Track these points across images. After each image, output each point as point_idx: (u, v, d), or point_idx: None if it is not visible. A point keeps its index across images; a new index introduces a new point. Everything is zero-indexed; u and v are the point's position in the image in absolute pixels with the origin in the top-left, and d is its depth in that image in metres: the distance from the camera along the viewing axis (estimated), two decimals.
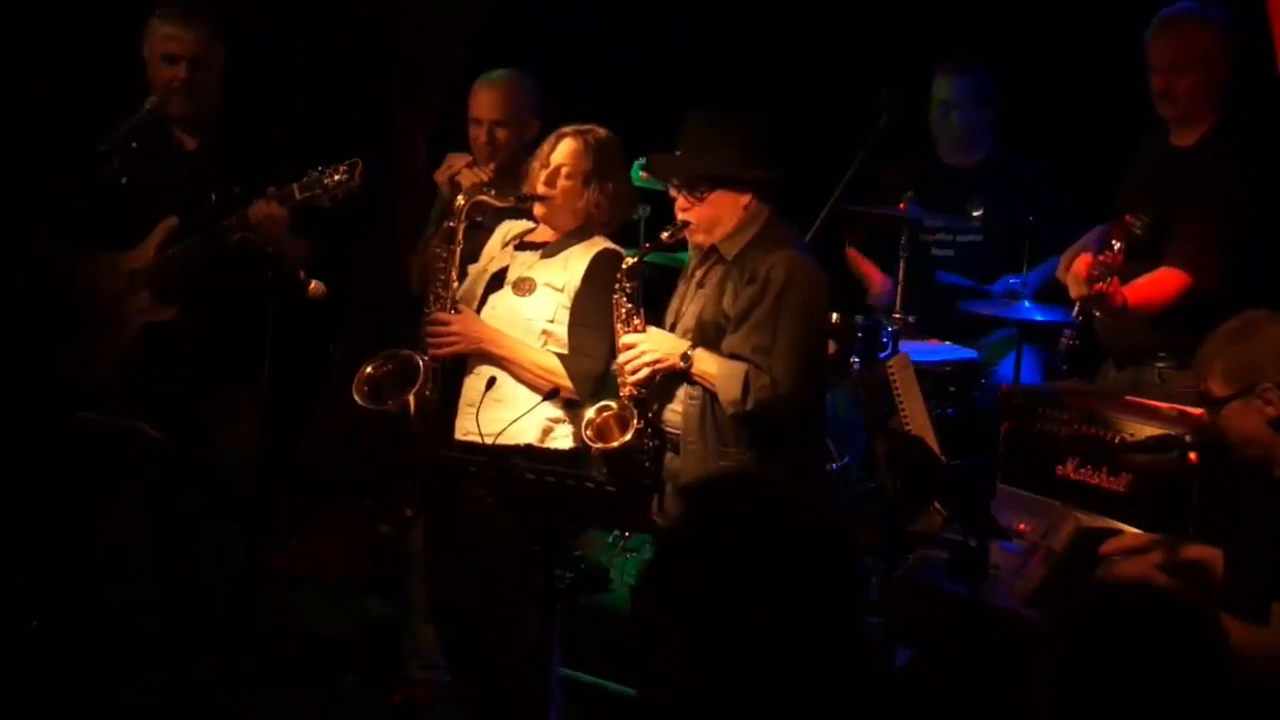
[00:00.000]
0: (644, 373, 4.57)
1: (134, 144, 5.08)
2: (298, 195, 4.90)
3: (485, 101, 5.47)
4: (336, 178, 4.87)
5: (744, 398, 4.44)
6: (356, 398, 4.80)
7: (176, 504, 5.19)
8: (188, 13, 5.15)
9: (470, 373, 4.84)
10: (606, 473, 4.54)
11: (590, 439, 4.58)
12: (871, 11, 6.64)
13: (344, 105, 6.63)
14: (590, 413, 4.63)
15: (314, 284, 4.81)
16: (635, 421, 4.55)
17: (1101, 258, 4.72)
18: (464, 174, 5.30)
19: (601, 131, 4.84)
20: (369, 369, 4.84)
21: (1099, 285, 4.68)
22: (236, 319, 5.11)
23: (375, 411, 4.79)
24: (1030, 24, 6.37)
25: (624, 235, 5.25)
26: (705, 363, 4.53)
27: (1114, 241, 4.77)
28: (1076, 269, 4.81)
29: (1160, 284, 4.89)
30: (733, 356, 4.50)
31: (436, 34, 6.44)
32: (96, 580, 5.49)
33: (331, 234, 5.24)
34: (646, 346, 4.58)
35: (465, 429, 4.80)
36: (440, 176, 5.40)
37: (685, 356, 4.53)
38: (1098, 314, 4.92)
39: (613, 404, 4.60)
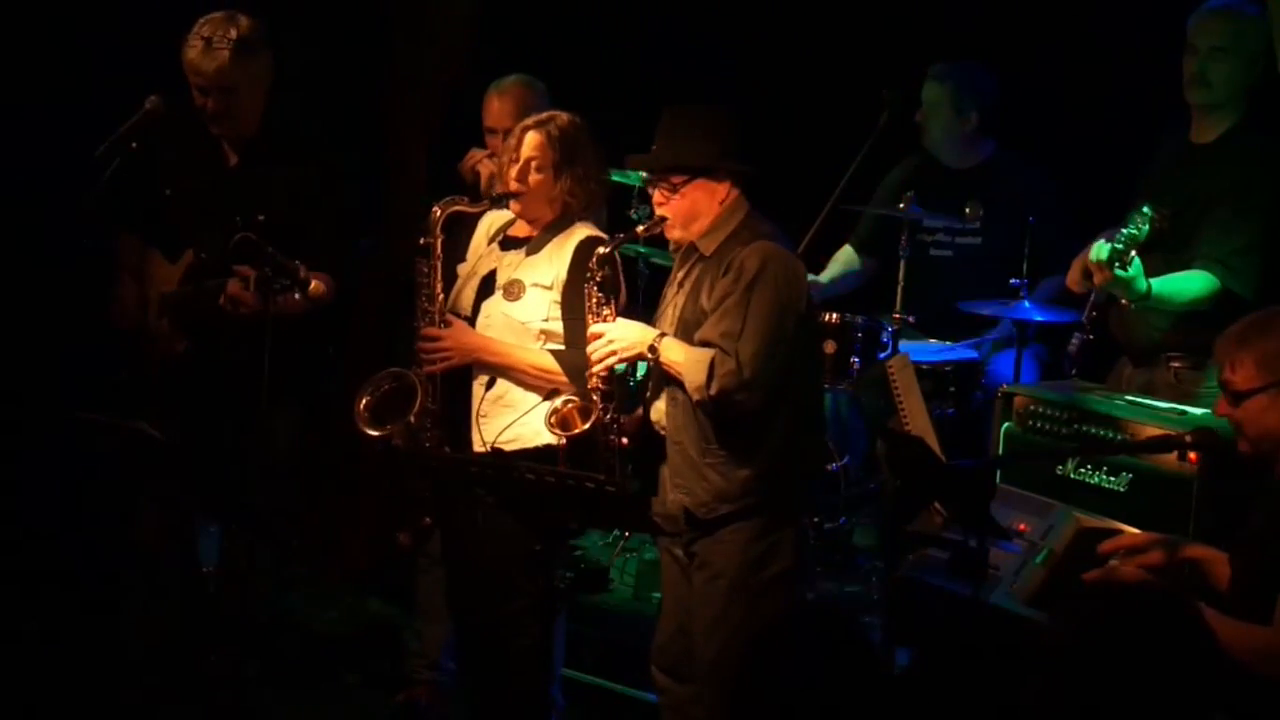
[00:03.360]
0: (609, 361, 4.55)
1: (133, 144, 5.06)
2: (252, 286, 4.83)
3: (499, 111, 5.49)
4: (284, 281, 4.79)
5: (708, 382, 4.38)
6: (360, 426, 4.78)
7: (177, 503, 5.19)
8: (210, 41, 5.05)
9: (475, 382, 4.83)
10: (568, 464, 4.51)
11: (553, 426, 4.57)
12: (871, 11, 6.64)
13: (342, 108, 6.63)
14: (556, 402, 4.61)
15: (315, 284, 4.80)
16: (596, 412, 4.53)
17: (1124, 229, 4.73)
18: (484, 164, 5.32)
19: (564, 118, 4.81)
20: (366, 396, 4.80)
21: (1119, 270, 4.68)
22: (245, 343, 5.10)
23: (381, 437, 4.77)
24: (1031, 24, 6.37)
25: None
26: (673, 351, 4.48)
27: (1138, 222, 4.77)
28: (1096, 257, 4.79)
29: (1189, 282, 4.88)
30: (703, 344, 4.45)
31: (435, 37, 6.43)
32: (96, 579, 5.50)
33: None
34: (613, 335, 4.55)
35: (478, 440, 4.77)
36: (464, 166, 5.41)
37: (652, 346, 4.50)
38: (1122, 300, 4.89)
39: (574, 398, 4.60)
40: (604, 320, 4.58)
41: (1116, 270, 4.71)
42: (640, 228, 4.62)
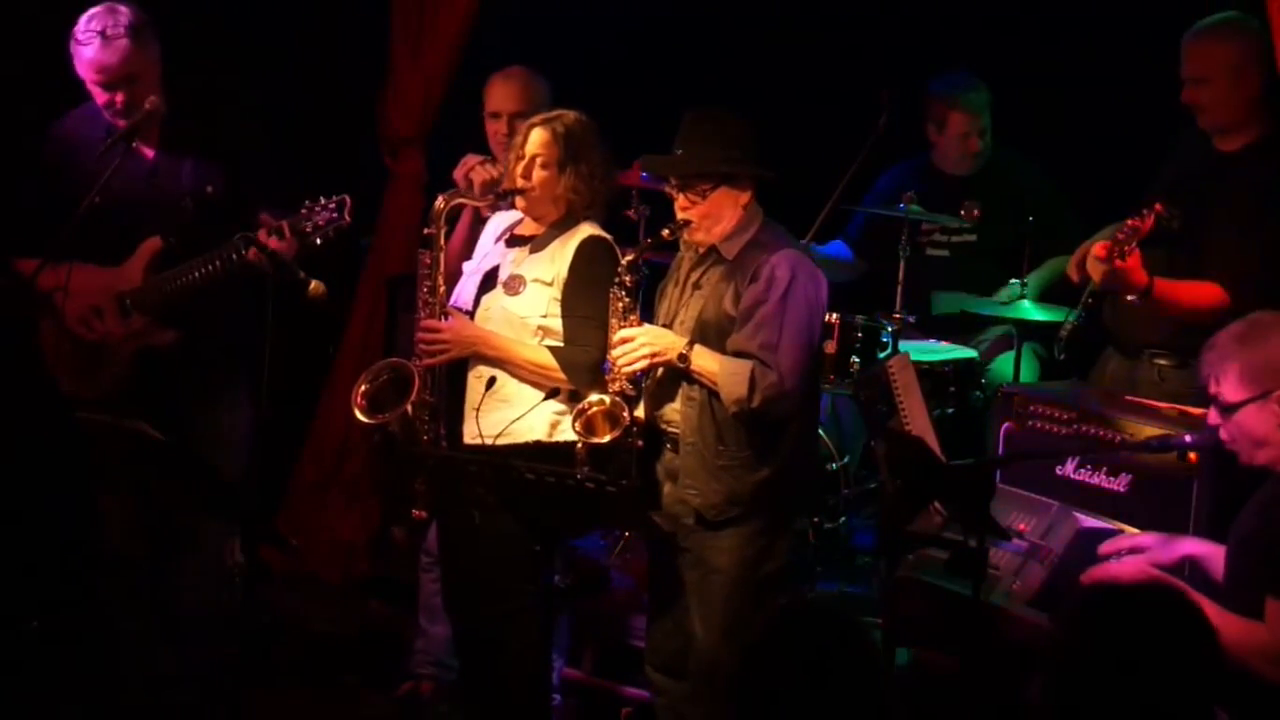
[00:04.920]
0: (640, 365, 4.57)
1: (133, 144, 5.05)
2: (288, 233, 4.80)
3: (504, 94, 5.49)
4: (327, 215, 4.79)
5: (750, 394, 4.44)
6: (356, 414, 4.78)
7: (177, 504, 5.18)
8: (105, 33, 4.98)
9: (471, 374, 4.84)
10: (589, 468, 4.53)
11: (579, 432, 4.58)
12: (871, 11, 6.64)
13: (340, 108, 6.63)
14: (585, 401, 4.62)
15: (314, 284, 4.80)
16: (625, 418, 4.55)
17: (1129, 223, 4.72)
18: (476, 170, 5.31)
19: (570, 116, 4.83)
20: (364, 385, 4.81)
21: (1118, 261, 4.67)
22: (232, 330, 5.09)
23: (376, 425, 4.77)
24: (1030, 25, 6.37)
25: (623, 235, 5.25)
26: (705, 359, 4.53)
27: (1143, 213, 4.76)
28: (1096, 250, 4.79)
29: (1198, 293, 4.85)
30: (738, 354, 4.50)
31: (433, 36, 6.43)
32: (96, 579, 5.50)
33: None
34: (644, 340, 4.58)
35: (471, 432, 4.79)
36: (458, 174, 5.42)
37: (683, 355, 4.53)
38: (1128, 297, 4.88)
39: (605, 398, 4.60)
40: (629, 325, 4.61)
41: (1115, 263, 4.71)
42: (665, 231, 4.64)
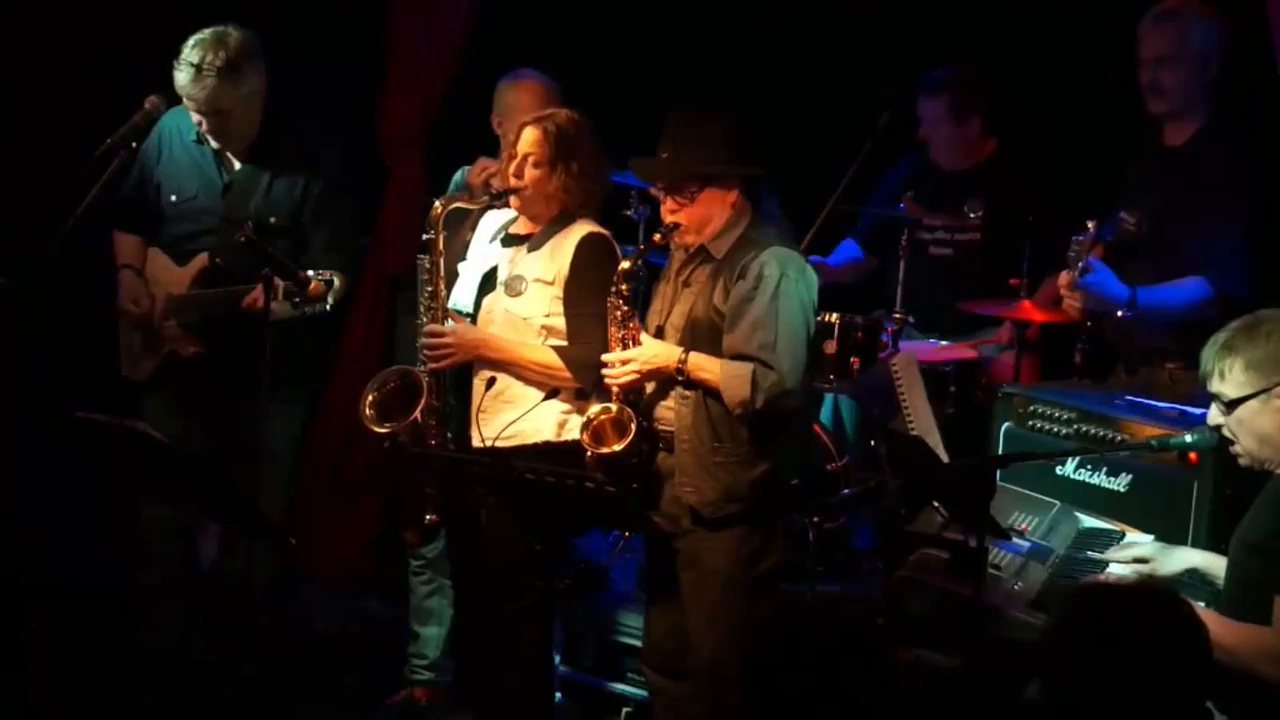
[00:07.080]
0: (627, 379, 4.57)
1: (134, 144, 5.07)
2: (279, 296, 4.80)
3: (531, 100, 5.46)
4: (318, 289, 4.79)
5: (754, 396, 4.44)
6: (366, 424, 4.77)
7: (177, 503, 5.19)
8: (199, 68, 5.03)
9: (476, 378, 4.83)
10: (602, 475, 4.52)
11: (587, 442, 4.58)
12: (871, 11, 6.64)
13: (338, 109, 6.62)
14: (591, 411, 4.62)
15: (315, 283, 4.80)
16: (632, 427, 4.55)
17: (1078, 239, 4.75)
18: (496, 180, 5.32)
19: (563, 114, 4.83)
20: (372, 394, 4.81)
21: (1080, 265, 4.70)
22: (249, 345, 5.12)
23: (387, 434, 4.76)
24: (1030, 23, 6.36)
25: (623, 236, 5.24)
26: (702, 366, 4.52)
27: (1088, 223, 4.77)
28: (1063, 279, 4.82)
29: (1180, 291, 4.87)
30: (736, 356, 4.49)
31: (431, 38, 6.43)
32: (96, 580, 5.50)
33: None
34: (639, 358, 4.57)
35: (478, 436, 4.78)
36: (476, 179, 5.41)
37: (682, 360, 4.52)
38: (1118, 313, 4.89)
39: (611, 406, 4.60)
40: (630, 332, 4.61)
41: (1079, 280, 4.72)
42: (657, 236, 4.63)
